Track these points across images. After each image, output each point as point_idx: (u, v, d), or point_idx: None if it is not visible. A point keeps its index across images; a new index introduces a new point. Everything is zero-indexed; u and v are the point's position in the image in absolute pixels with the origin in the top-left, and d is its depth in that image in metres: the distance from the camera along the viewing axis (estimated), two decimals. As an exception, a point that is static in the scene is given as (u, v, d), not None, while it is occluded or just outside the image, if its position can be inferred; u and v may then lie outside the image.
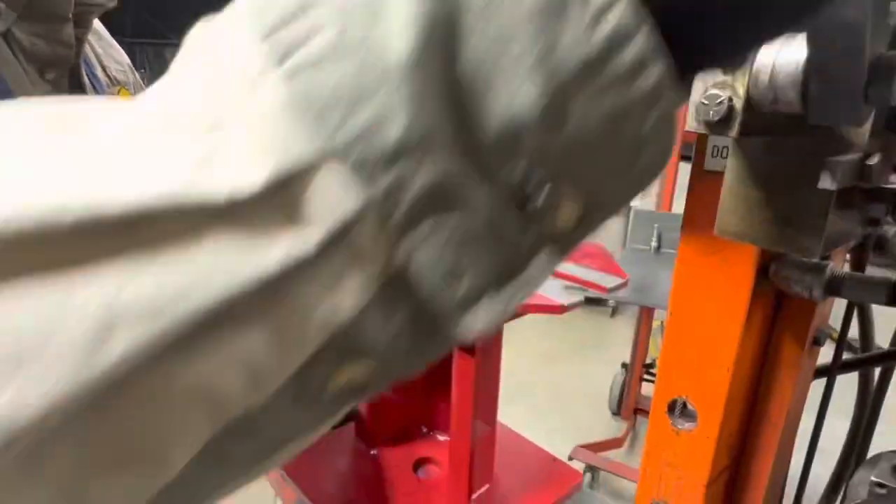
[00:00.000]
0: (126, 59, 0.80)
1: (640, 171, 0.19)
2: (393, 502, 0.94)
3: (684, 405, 0.51)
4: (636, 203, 3.84)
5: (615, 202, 0.19)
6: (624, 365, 2.78)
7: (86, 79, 0.60)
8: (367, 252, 0.16)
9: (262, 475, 0.22)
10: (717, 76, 0.27)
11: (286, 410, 0.17)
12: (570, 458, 2.30)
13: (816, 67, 0.24)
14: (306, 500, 0.97)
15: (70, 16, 0.52)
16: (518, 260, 0.18)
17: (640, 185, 0.19)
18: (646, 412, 2.60)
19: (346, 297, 0.16)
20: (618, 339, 3.80)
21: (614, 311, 4.16)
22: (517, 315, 0.84)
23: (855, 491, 0.42)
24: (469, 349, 0.79)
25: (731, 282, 0.45)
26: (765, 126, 0.29)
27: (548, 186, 0.17)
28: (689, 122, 0.29)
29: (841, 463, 0.56)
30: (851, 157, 0.28)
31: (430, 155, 0.16)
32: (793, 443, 0.56)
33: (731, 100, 0.27)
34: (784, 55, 0.26)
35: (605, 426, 2.83)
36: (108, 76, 0.70)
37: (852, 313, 0.56)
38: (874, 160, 0.28)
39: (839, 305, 0.56)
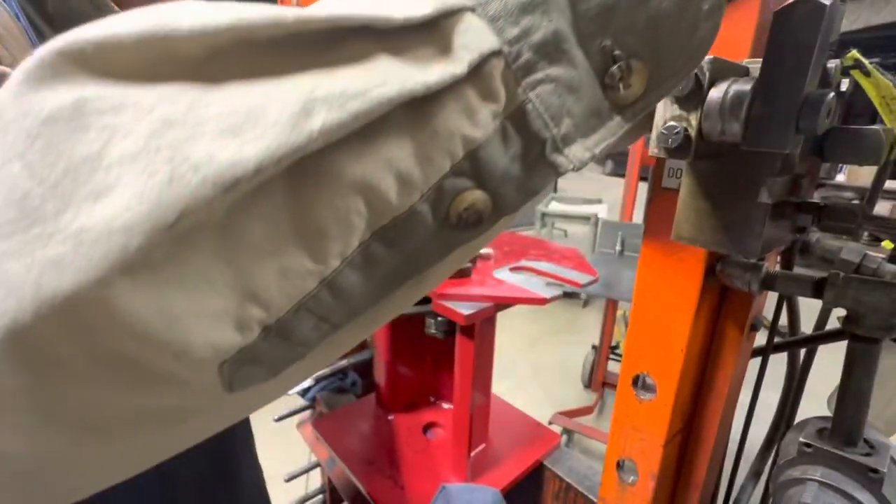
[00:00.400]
0: None
1: (696, 45, 0.19)
2: (406, 458, 0.94)
3: (645, 380, 0.51)
4: (603, 215, 3.83)
5: (674, 75, 0.19)
6: (594, 346, 2.78)
7: None
8: (496, 88, 0.16)
9: (390, 313, 0.20)
10: (675, 110, 0.27)
11: (423, 226, 0.17)
12: (550, 423, 2.29)
13: (761, 88, 0.24)
14: (336, 456, 0.97)
15: None
16: (601, 116, 0.18)
17: (695, 59, 0.19)
18: (612, 385, 2.60)
19: (477, 126, 0.16)
20: (588, 325, 3.79)
21: (586, 303, 4.15)
22: (508, 306, 0.83)
23: (786, 450, 0.42)
24: (469, 333, 0.79)
25: (685, 278, 0.45)
26: (713, 151, 0.29)
27: (623, 62, 0.18)
28: (651, 148, 0.29)
29: (773, 427, 0.56)
30: (785, 177, 0.28)
31: (549, 14, 0.16)
32: (733, 410, 0.56)
33: (686, 130, 0.27)
34: (731, 93, 0.26)
35: (578, 397, 2.82)
36: None
37: (782, 305, 0.55)
38: (804, 180, 0.28)
39: (772, 298, 0.56)
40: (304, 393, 1.18)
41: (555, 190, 6.55)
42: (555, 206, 4.36)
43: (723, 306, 0.50)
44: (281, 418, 1.23)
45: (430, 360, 1.11)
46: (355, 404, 1.12)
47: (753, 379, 0.56)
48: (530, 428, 1.04)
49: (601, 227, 2.45)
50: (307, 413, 1.23)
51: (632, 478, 0.55)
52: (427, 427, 1.04)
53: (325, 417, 1.08)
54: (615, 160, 15.35)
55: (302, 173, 0.14)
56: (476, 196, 0.17)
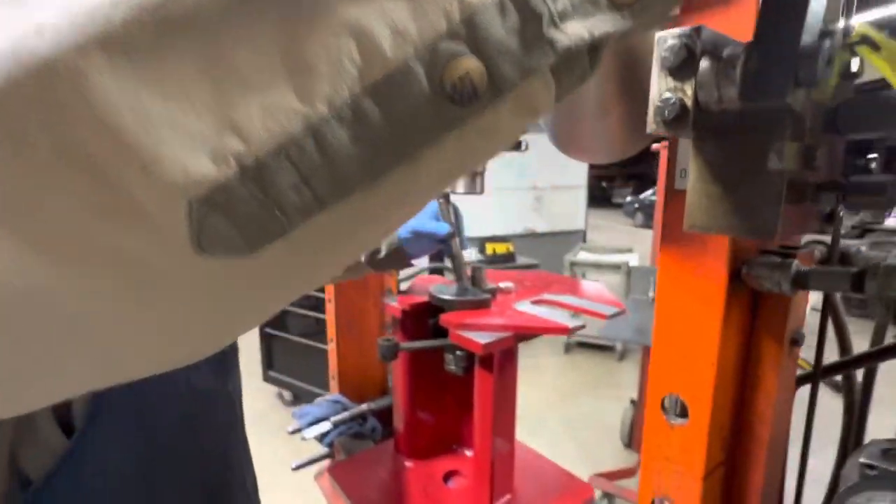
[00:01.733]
0: None
1: None
2: (426, 509, 0.87)
3: (675, 402, 0.47)
4: (634, 264, 3.73)
5: None
6: (632, 401, 2.58)
7: None
8: None
9: (383, 215, 0.19)
10: (670, 82, 0.27)
11: (416, 87, 0.16)
12: (588, 486, 2.09)
13: (757, 43, 0.23)
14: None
15: None
16: (597, 4, 0.17)
17: None
18: None
19: None
20: (625, 379, 3.56)
21: (622, 356, 3.93)
22: (529, 338, 0.80)
23: (847, 477, 0.36)
24: (488, 365, 0.75)
25: (708, 283, 0.42)
26: (714, 125, 0.28)
27: None
28: (649, 123, 0.28)
29: (839, 460, 0.48)
30: (796, 144, 0.26)
31: None
32: (785, 442, 0.49)
33: (681, 100, 0.26)
34: (724, 56, 0.25)
35: (617, 456, 2.59)
36: None
37: (826, 322, 0.50)
38: (819, 152, 0.26)
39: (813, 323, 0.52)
40: (322, 437, 1.14)
41: (584, 240, 6.48)
42: (584, 256, 4.29)
43: (757, 318, 0.46)
44: (299, 467, 1.18)
45: (452, 403, 1.05)
46: (372, 450, 1.06)
47: (805, 409, 0.50)
48: (561, 479, 0.95)
49: (633, 272, 2.38)
50: (325, 462, 1.18)
51: (670, 522, 0.48)
52: (448, 475, 0.97)
53: (340, 464, 1.03)
54: (645, 213, 15.20)
55: (296, 3, 0.14)
56: (471, 64, 0.16)
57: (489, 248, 4.18)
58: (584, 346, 4.16)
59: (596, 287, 0.98)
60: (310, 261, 0.18)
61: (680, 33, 0.26)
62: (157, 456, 0.50)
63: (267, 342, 3.13)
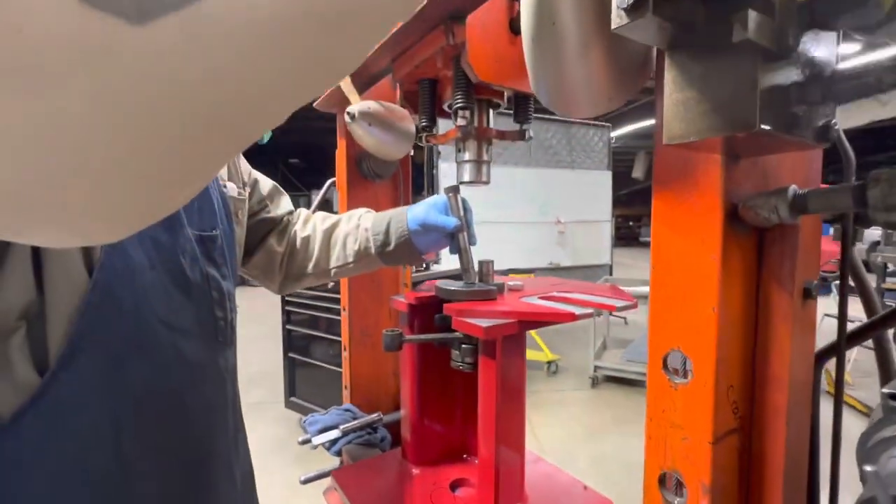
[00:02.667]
0: None
1: None
2: (429, 515, 0.81)
3: (677, 357, 0.43)
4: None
5: None
6: (664, 437, 2.40)
7: None
8: None
9: None
10: (629, -25, 0.26)
11: None
12: (617, 526, 1.91)
13: None
14: (355, 514, 0.86)
15: None
16: None
17: None
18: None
19: None
20: (657, 416, 3.33)
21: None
22: (534, 325, 0.76)
23: (874, 417, 0.31)
24: (491, 352, 0.71)
25: (702, 223, 0.40)
26: (679, 16, 0.27)
27: None
28: (614, 19, 0.28)
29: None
30: (759, 12, 0.24)
31: None
32: (807, 408, 0.44)
33: (640, -15, 0.26)
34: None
35: (651, 497, 2.37)
36: None
37: (846, 281, 0.46)
38: (790, 29, 0.25)
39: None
40: (330, 445, 1.10)
41: (610, 273, 6.31)
42: (609, 288, 4.16)
43: (763, 267, 0.42)
44: (308, 480, 1.14)
45: (461, 411, 1.01)
46: (379, 457, 1.02)
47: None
48: (577, 490, 0.87)
49: (657, 297, 2.28)
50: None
51: (678, 499, 0.43)
52: (456, 484, 0.91)
53: (345, 469, 0.98)
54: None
55: None
56: None
57: (512, 279, 4.12)
58: (611, 380, 3.96)
59: (608, 285, 0.94)
60: (204, 52, 0.17)
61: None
62: (132, 412, 0.49)
63: (290, 368, 3.13)
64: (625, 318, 6.05)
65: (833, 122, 0.31)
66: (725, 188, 0.39)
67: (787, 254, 0.40)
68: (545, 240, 5.92)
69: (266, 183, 0.96)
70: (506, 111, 0.87)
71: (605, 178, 6.33)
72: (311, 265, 0.93)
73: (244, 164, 0.91)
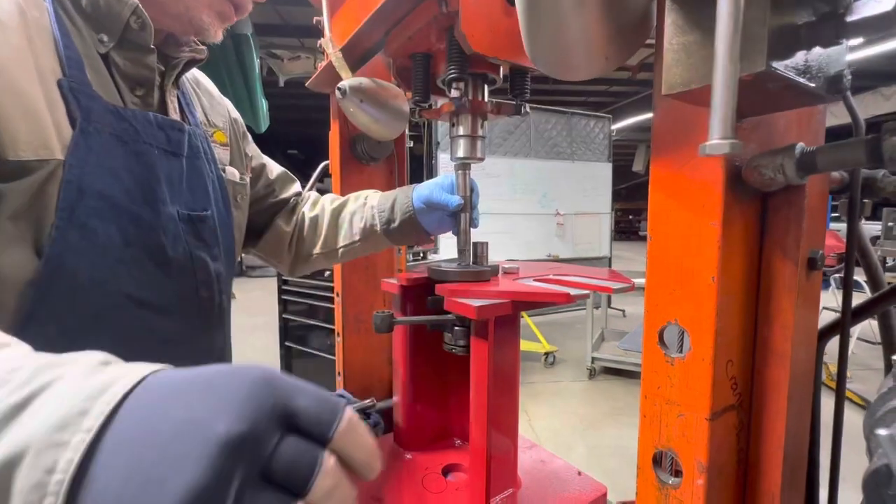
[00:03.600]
0: (233, 113, 0.85)
1: None
2: (420, 499, 0.79)
3: (674, 330, 0.41)
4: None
5: None
6: (660, 427, 2.40)
7: (173, 104, 0.62)
8: None
9: None
10: None
11: None
12: (613, 515, 1.91)
13: None
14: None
15: (152, 46, 0.56)
16: None
17: None
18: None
19: None
20: (654, 407, 3.33)
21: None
22: (528, 307, 0.74)
23: (881, 389, 0.29)
24: (483, 333, 0.69)
25: (703, 189, 0.37)
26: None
27: None
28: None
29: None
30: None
31: None
32: (809, 387, 0.42)
33: None
34: None
35: (647, 486, 2.37)
36: (207, 119, 0.74)
37: (853, 253, 0.44)
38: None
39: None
40: (322, 430, 1.09)
41: (609, 265, 6.30)
42: (608, 280, 4.14)
43: (766, 235, 0.40)
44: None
45: (454, 397, 0.99)
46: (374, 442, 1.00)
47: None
48: (571, 476, 0.86)
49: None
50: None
51: (672, 479, 0.41)
52: (448, 469, 0.89)
53: (338, 453, 0.97)
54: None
55: None
56: None
57: (510, 270, 4.10)
58: (609, 371, 3.95)
59: (606, 269, 0.92)
60: None
61: None
62: None
63: (287, 358, 3.12)
64: (623, 311, 6.04)
65: (845, 71, 0.29)
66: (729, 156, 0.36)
67: (793, 220, 0.38)
68: (544, 232, 5.90)
69: (275, 168, 0.97)
70: (507, 99, 0.84)
71: (605, 171, 6.29)
72: (319, 244, 0.93)
73: (252, 149, 0.90)
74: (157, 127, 0.55)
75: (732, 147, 0.23)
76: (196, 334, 0.59)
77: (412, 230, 0.87)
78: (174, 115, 0.62)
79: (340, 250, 0.93)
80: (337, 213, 0.94)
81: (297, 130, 10.44)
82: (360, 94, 0.86)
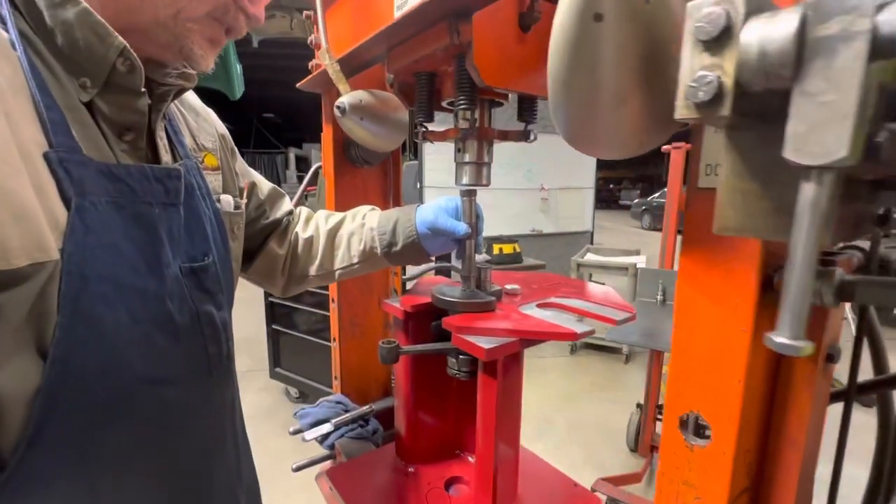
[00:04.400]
0: (220, 129, 0.78)
1: None
2: (425, 517, 0.83)
3: (696, 420, 0.42)
4: (642, 265, 3.65)
5: None
6: (639, 405, 2.52)
7: (163, 141, 0.58)
8: None
9: None
10: (705, 59, 0.22)
11: None
12: (593, 490, 2.04)
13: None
14: (350, 511, 0.87)
15: (142, 90, 0.51)
16: None
17: None
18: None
19: None
20: (631, 382, 3.49)
21: (628, 358, 3.86)
22: (535, 342, 0.75)
23: None
24: (491, 371, 0.71)
25: (736, 292, 0.37)
26: (757, 109, 0.23)
27: None
28: (679, 109, 0.24)
29: (873, 481, 0.43)
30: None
31: None
32: (814, 467, 0.44)
33: (719, 79, 0.22)
34: (773, 30, 0.21)
35: (624, 461, 2.53)
36: (196, 143, 0.68)
37: (862, 336, 0.45)
38: (881, 136, 0.22)
39: (846, 337, 0.46)
40: (322, 440, 1.10)
41: (591, 241, 6.40)
42: (591, 258, 4.22)
43: (787, 330, 0.41)
44: (300, 467, 1.15)
45: (455, 408, 1.01)
46: (373, 453, 1.03)
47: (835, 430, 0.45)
48: (567, 489, 0.91)
49: (641, 275, 2.31)
50: (327, 463, 1.14)
51: (687, 553, 0.44)
52: (450, 482, 0.92)
53: (339, 467, 0.99)
54: (653, 215, 15.01)
55: None
56: None
57: (496, 248, 4.13)
58: (590, 347, 4.10)
59: (605, 290, 0.94)
60: None
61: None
62: (110, 477, 0.47)
63: (274, 339, 3.11)
64: (603, 284, 6.21)
65: (893, 210, 0.29)
66: (764, 259, 0.36)
67: (817, 325, 0.39)
68: (529, 207, 5.91)
69: (264, 186, 0.91)
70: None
71: (590, 144, 6.26)
72: (314, 267, 0.90)
73: (241, 165, 0.84)
74: (155, 180, 0.51)
75: (803, 351, 0.23)
76: (208, 394, 0.58)
77: (414, 253, 0.86)
78: (164, 153, 0.57)
79: (338, 272, 0.90)
80: (333, 234, 0.91)
81: (273, 93, 9.95)
82: (361, 111, 0.82)
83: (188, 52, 0.53)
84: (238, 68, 4.29)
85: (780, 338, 0.23)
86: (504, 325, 0.71)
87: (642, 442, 2.37)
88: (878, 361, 0.45)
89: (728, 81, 0.22)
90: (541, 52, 0.70)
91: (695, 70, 0.23)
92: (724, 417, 0.39)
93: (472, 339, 0.69)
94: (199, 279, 0.57)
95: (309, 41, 1.09)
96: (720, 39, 0.21)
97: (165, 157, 0.57)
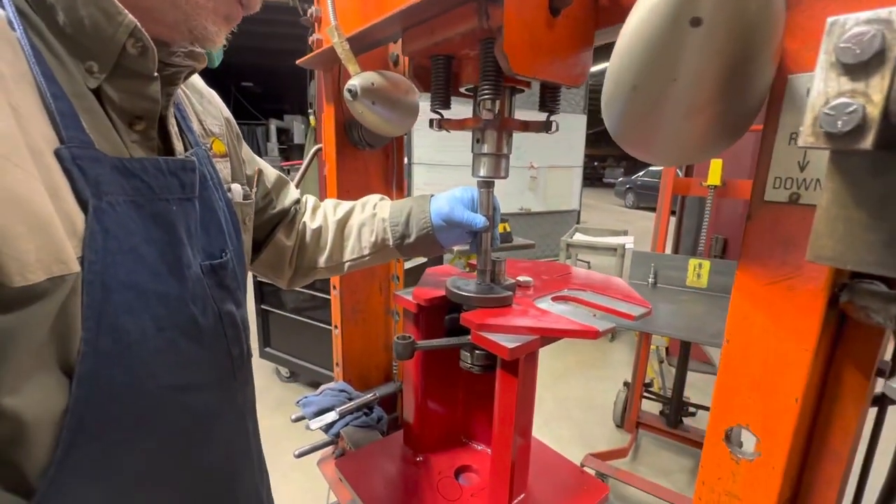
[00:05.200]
0: (225, 112, 0.73)
1: None
2: (437, 507, 0.83)
3: (742, 434, 0.41)
4: (630, 247, 3.70)
5: None
6: (626, 383, 2.60)
7: (174, 128, 0.53)
8: None
9: None
10: (844, 83, 0.20)
11: None
12: (582, 465, 2.11)
13: None
14: (359, 499, 0.87)
15: (155, 75, 0.46)
16: None
17: None
18: (647, 426, 2.40)
19: None
20: (618, 360, 3.59)
21: (613, 337, 3.95)
22: (553, 340, 0.75)
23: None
24: (513, 370, 0.70)
25: (798, 312, 0.36)
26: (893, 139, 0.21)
27: None
28: (804, 136, 0.22)
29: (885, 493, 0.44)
30: None
31: None
32: (849, 477, 0.45)
33: (864, 108, 0.20)
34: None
35: (611, 437, 2.62)
36: (203, 128, 0.63)
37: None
38: None
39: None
40: (327, 428, 1.10)
41: (578, 221, 6.44)
42: (579, 238, 4.25)
43: (840, 346, 0.40)
44: (302, 454, 1.14)
45: (463, 397, 1.01)
46: (381, 442, 1.03)
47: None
48: (574, 476, 0.92)
49: (632, 257, 2.33)
50: (329, 449, 1.14)
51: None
52: (459, 471, 0.93)
53: (348, 456, 0.99)
54: (636, 194, 15.17)
55: None
56: None
57: (486, 227, 4.10)
58: (576, 326, 4.17)
59: (618, 283, 0.93)
60: None
61: (871, 17, 0.19)
62: (135, 489, 0.45)
63: (264, 318, 3.07)
64: (588, 263, 6.30)
65: None
66: (832, 280, 0.35)
67: (873, 342, 0.38)
68: (517, 185, 5.88)
69: (271, 173, 0.86)
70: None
71: (579, 123, 6.22)
72: (323, 258, 0.86)
73: (247, 152, 0.79)
74: (171, 174, 0.47)
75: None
76: (232, 396, 0.56)
77: (427, 245, 0.83)
78: (176, 141, 0.52)
79: (347, 264, 0.87)
80: (342, 225, 0.87)
81: (252, 60, 9.48)
82: (372, 95, 0.77)
83: (201, 31, 0.48)
84: (216, 34, 4.07)
85: (905, 389, 0.22)
86: (525, 323, 0.70)
87: (628, 418, 2.45)
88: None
89: (874, 112, 0.19)
90: (570, 38, 0.66)
91: (830, 95, 0.20)
92: (777, 434, 0.38)
93: (493, 337, 0.68)
94: (219, 277, 0.53)
95: (308, 14, 1.02)
96: (870, 64, 0.19)
97: (178, 146, 0.52)
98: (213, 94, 0.72)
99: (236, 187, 0.67)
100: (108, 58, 0.42)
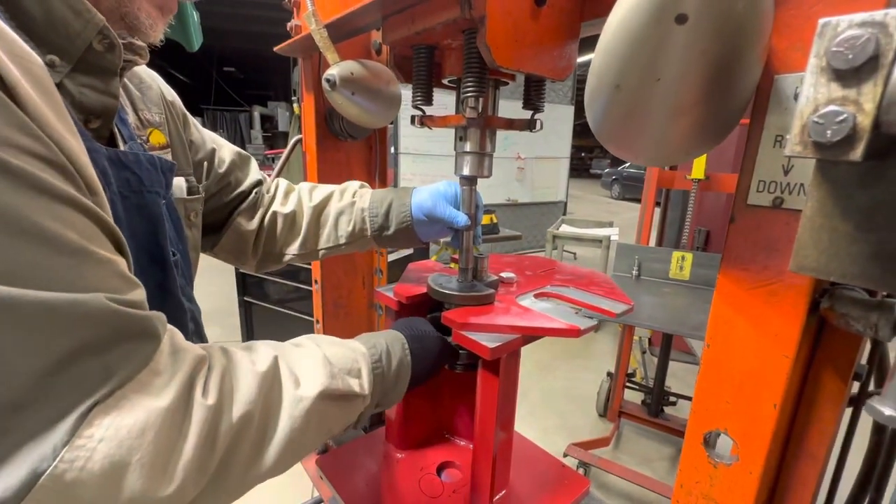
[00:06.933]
0: (169, 95, 0.68)
1: None
2: (418, 503, 0.83)
3: (721, 439, 0.41)
4: (615, 239, 3.72)
5: None
6: (609, 374, 2.63)
7: (117, 128, 0.50)
8: None
9: None
10: (835, 90, 0.19)
11: None
12: (565, 455, 2.14)
13: None
14: (339, 497, 0.86)
15: (118, 70, 0.44)
16: None
17: None
18: (629, 415, 2.44)
19: None
20: (601, 351, 3.63)
21: (597, 328, 4.00)
22: (536, 338, 0.74)
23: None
24: (494, 369, 0.69)
25: (779, 318, 0.36)
26: (884, 148, 0.20)
27: None
28: (791, 144, 0.21)
29: (861, 478, 0.45)
30: None
31: None
32: (824, 476, 0.45)
33: (855, 118, 0.18)
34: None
35: (593, 426, 2.66)
36: (139, 119, 0.59)
37: (878, 349, 0.45)
38: None
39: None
40: (308, 425, 1.08)
41: (564, 212, 6.47)
42: (565, 229, 4.27)
43: (819, 349, 0.40)
44: (284, 451, 1.12)
45: (445, 393, 1.01)
46: (362, 439, 1.01)
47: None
48: (556, 471, 0.93)
49: (616, 249, 2.35)
50: (312, 446, 1.13)
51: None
52: (442, 467, 0.93)
53: (330, 454, 0.97)
54: (622, 185, 15.29)
55: None
56: None
57: (473, 218, 4.09)
58: (561, 316, 4.21)
59: (602, 278, 0.93)
60: None
61: (865, 20, 0.18)
62: None
63: (246, 310, 3.02)
64: (574, 254, 6.34)
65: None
66: (814, 287, 0.35)
67: (851, 348, 0.38)
68: (504, 176, 5.87)
69: (226, 154, 0.81)
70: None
71: (567, 114, 6.21)
72: (297, 244, 0.83)
73: (197, 133, 0.74)
74: (158, 170, 0.46)
75: (916, 427, 0.21)
76: None
77: (406, 238, 0.82)
78: (118, 140, 0.50)
79: (321, 251, 0.85)
80: (319, 211, 0.84)
81: (234, 44, 9.22)
82: (352, 85, 0.74)
83: (133, 20, 0.46)
84: (196, 16, 3.94)
85: (888, 410, 0.21)
86: (507, 322, 0.69)
87: (611, 408, 2.48)
88: (881, 369, 0.46)
89: (865, 122, 0.18)
90: (556, 29, 0.64)
91: (820, 102, 0.19)
92: (755, 439, 0.38)
93: (474, 336, 0.67)
94: (184, 275, 0.52)
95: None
96: (862, 70, 0.18)
97: (119, 142, 0.49)
98: (153, 76, 0.67)
99: (178, 182, 0.63)
100: (73, 53, 0.40)
